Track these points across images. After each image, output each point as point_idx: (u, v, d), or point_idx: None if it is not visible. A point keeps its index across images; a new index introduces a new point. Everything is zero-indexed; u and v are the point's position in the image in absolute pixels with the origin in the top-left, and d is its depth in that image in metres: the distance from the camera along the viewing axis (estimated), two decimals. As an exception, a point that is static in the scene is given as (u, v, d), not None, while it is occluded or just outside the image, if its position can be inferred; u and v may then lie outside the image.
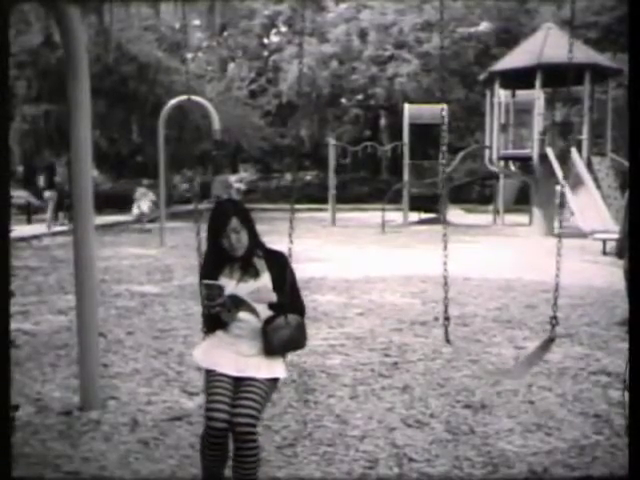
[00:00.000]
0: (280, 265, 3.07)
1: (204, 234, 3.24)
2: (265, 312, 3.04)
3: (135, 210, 22.67)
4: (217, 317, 3.03)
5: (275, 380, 3.07)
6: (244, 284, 3.04)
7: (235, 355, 3.01)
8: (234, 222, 2.99)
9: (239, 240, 3.01)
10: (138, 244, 15.50)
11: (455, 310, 7.26)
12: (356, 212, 26.28)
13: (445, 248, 3.62)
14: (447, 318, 3.36)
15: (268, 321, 3.00)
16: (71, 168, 4.53)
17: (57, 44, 18.08)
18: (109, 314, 7.51)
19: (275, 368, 3.04)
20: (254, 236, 3.09)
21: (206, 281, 2.97)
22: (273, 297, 3.04)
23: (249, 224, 3.06)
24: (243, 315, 3.02)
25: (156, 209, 20.06)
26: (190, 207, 25.03)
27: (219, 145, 24.24)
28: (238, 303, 2.99)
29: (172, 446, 3.85)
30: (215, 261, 3.09)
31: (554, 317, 3.26)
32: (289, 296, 3.05)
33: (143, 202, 18.14)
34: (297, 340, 3.05)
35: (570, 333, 6.63)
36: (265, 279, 3.06)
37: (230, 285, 3.02)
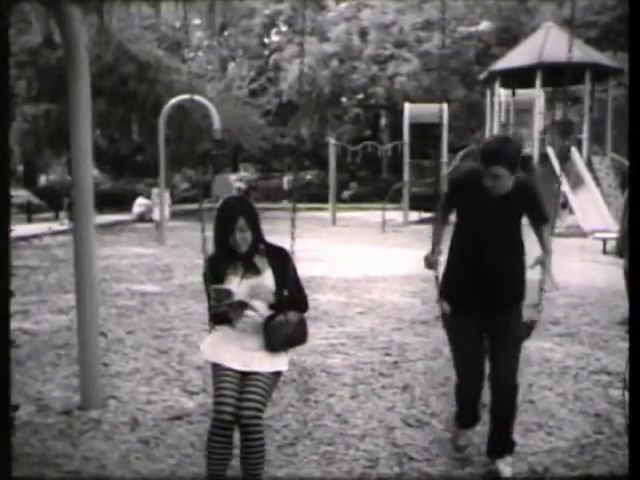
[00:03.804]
0: (282, 261, 3.17)
1: (207, 233, 3.28)
2: (267, 308, 3.14)
3: (137, 209, 22.67)
4: (224, 313, 3.11)
5: (278, 373, 3.16)
6: (246, 281, 3.13)
7: (240, 349, 3.11)
8: (241, 221, 3.09)
9: (244, 238, 3.11)
10: (138, 243, 15.51)
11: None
12: (356, 211, 26.28)
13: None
14: None
15: (269, 319, 3.10)
16: (71, 168, 4.54)
17: (57, 44, 18.07)
18: (109, 313, 7.51)
19: (278, 362, 3.13)
20: (258, 234, 3.18)
21: (215, 286, 3.06)
22: (274, 294, 3.13)
23: (255, 223, 3.16)
24: (248, 311, 3.11)
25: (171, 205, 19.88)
26: (190, 207, 25.04)
27: (219, 144, 24.25)
28: (243, 305, 3.08)
29: (172, 445, 3.85)
30: (221, 258, 3.18)
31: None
32: (292, 291, 3.15)
33: (158, 205, 17.01)
34: (298, 337, 3.15)
35: (571, 332, 6.63)
36: (267, 276, 3.15)
37: (234, 282, 3.12)
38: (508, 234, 3.29)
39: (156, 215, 16.09)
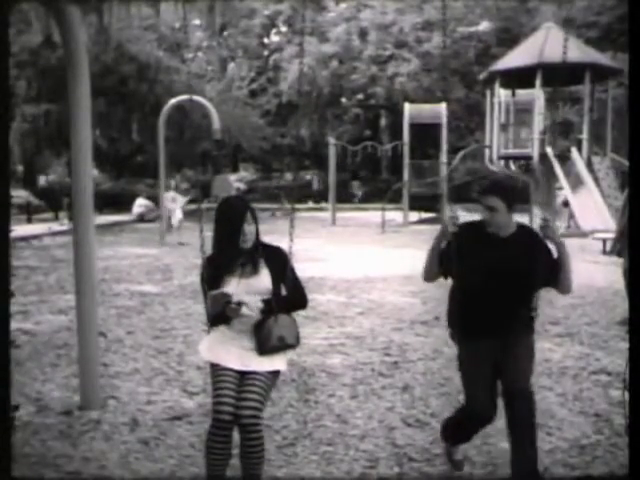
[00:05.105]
0: (278, 260, 3.19)
1: (206, 233, 3.26)
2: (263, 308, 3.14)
3: (137, 209, 22.67)
4: (221, 312, 3.09)
5: (277, 372, 3.16)
6: (245, 280, 3.12)
7: (239, 349, 3.11)
8: (248, 215, 3.12)
9: (250, 232, 3.13)
10: (138, 244, 15.50)
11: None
12: (356, 212, 26.28)
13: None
14: None
15: (259, 322, 3.09)
16: (71, 168, 4.54)
17: (57, 44, 18.08)
18: (109, 314, 7.51)
19: (276, 361, 3.14)
20: (258, 232, 3.20)
21: (213, 292, 3.05)
22: (270, 293, 3.13)
23: (257, 219, 3.19)
24: (245, 310, 3.10)
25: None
26: (190, 207, 25.02)
27: (219, 145, 24.26)
28: (241, 305, 3.07)
29: (172, 446, 3.85)
30: (220, 257, 3.17)
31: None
32: (290, 290, 3.16)
33: (173, 208, 15.81)
34: (289, 340, 3.13)
35: (571, 332, 6.63)
36: (264, 275, 3.15)
37: (232, 282, 3.11)
38: (514, 270, 3.17)
39: (175, 219, 15.63)
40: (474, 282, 3.20)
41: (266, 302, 3.10)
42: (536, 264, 3.15)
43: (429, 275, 3.35)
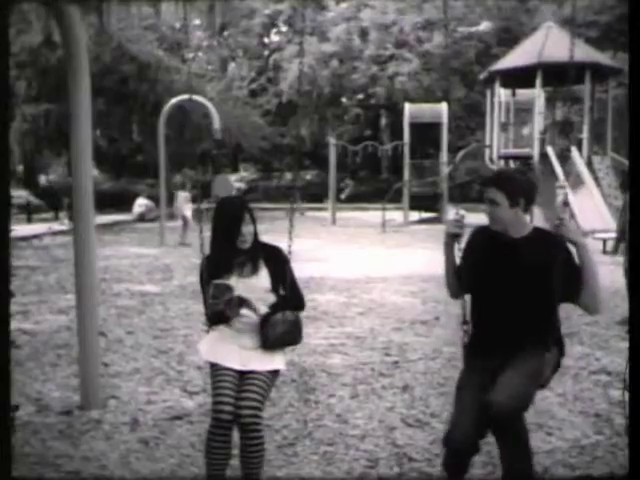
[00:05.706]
0: (277, 259, 3.20)
1: (206, 233, 3.27)
2: (264, 307, 3.15)
3: (137, 209, 22.67)
4: (221, 312, 3.10)
5: (276, 372, 3.17)
6: (243, 279, 3.14)
7: (238, 348, 3.13)
8: (246, 215, 3.13)
9: (249, 232, 3.14)
10: (138, 243, 15.51)
11: (456, 309, 7.26)
12: (356, 211, 26.27)
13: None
14: None
15: (266, 316, 3.11)
16: (71, 168, 4.54)
17: (57, 44, 18.08)
18: (109, 313, 7.51)
19: (276, 360, 3.15)
20: (256, 231, 3.21)
21: (216, 281, 3.05)
22: (270, 293, 3.16)
23: (255, 219, 3.20)
24: (245, 310, 3.11)
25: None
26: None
27: (219, 144, 24.24)
28: (242, 302, 3.08)
29: (172, 445, 3.84)
30: (220, 256, 3.18)
31: None
32: (288, 289, 3.17)
33: (187, 209, 15.46)
34: (293, 336, 3.15)
35: (571, 332, 6.62)
36: (263, 275, 3.17)
37: (231, 281, 3.12)
38: (526, 277, 2.88)
39: (188, 216, 15.48)
40: (482, 292, 2.96)
41: (279, 297, 3.14)
42: (553, 271, 2.79)
43: (451, 289, 3.13)
